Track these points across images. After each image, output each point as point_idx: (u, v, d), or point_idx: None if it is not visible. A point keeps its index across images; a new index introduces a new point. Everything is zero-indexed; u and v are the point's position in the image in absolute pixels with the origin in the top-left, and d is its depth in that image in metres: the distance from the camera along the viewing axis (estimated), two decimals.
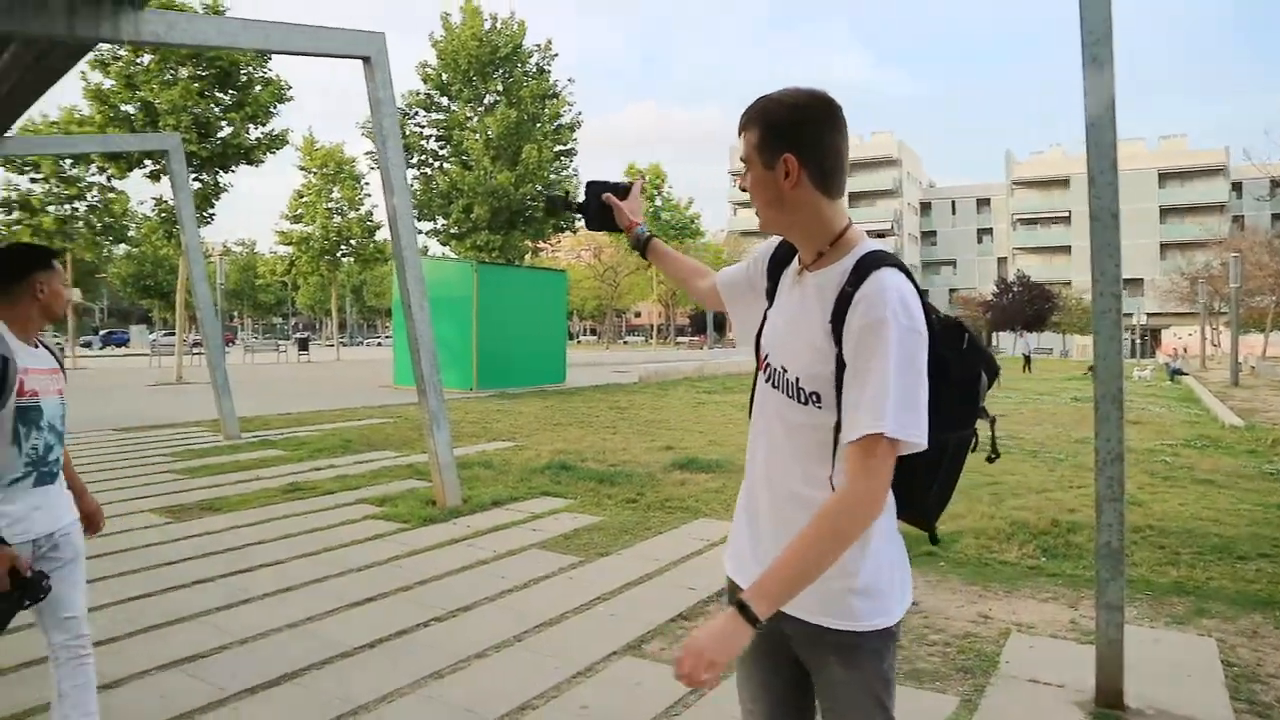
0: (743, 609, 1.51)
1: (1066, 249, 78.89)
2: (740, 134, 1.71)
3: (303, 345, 42.32)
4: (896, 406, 1.52)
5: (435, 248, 30.94)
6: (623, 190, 2.25)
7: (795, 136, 1.65)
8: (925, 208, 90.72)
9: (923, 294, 1.65)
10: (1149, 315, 64.27)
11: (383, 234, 40.91)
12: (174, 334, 34.89)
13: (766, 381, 1.79)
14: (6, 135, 11.26)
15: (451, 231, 29.95)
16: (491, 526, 6.81)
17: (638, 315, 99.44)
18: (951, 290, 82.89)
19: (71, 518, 2.93)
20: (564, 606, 4.87)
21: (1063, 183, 79.95)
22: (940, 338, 1.65)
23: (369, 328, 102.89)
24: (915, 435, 1.53)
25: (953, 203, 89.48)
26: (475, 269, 20.88)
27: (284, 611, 4.76)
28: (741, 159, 1.72)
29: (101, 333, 67.19)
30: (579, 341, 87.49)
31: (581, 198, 2.24)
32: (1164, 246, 73.64)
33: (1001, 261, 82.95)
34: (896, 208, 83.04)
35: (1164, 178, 75.79)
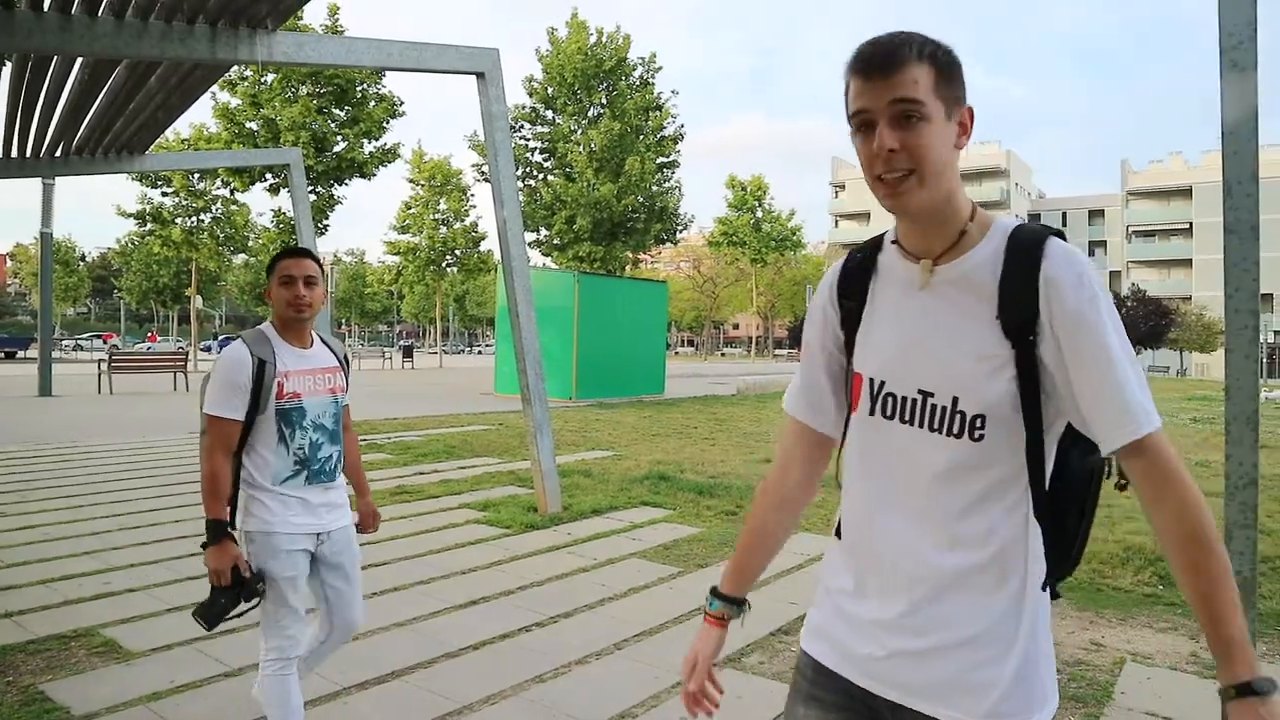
0: (1247, 688, 1.16)
1: (1187, 262, 75.26)
2: (891, 71, 1.27)
3: (407, 352, 43.50)
4: (1147, 393, 1.23)
5: (537, 258, 31.50)
6: None
7: (964, 86, 1.31)
8: (1034, 220, 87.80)
9: None
10: (1278, 332, 60.71)
11: (486, 244, 41.87)
12: None
13: (889, 417, 1.39)
14: (146, 152, 12.00)
15: (554, 242, 30.46)
16: (591, 534, 6.89)
17: (736, 327, 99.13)
18: None
19: (349, 519, 3.03)
20: (663, 616, 4.89)
21: (1184, 193, 76.37)
22: None
23: (471, 336, 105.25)
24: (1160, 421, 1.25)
25: (1064, 214, 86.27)
26: (577, 279, 21.16)
27: (393, 610, 4.91)
28: (903, 100, 1.26)
29: (220, 338, 70.55)
30: (677, 353, 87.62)
31: None
32: None
33: (1115, 275, 79.55)
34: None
35: None
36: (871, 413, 1.41)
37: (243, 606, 2.77)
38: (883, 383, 1.39)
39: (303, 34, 8.14)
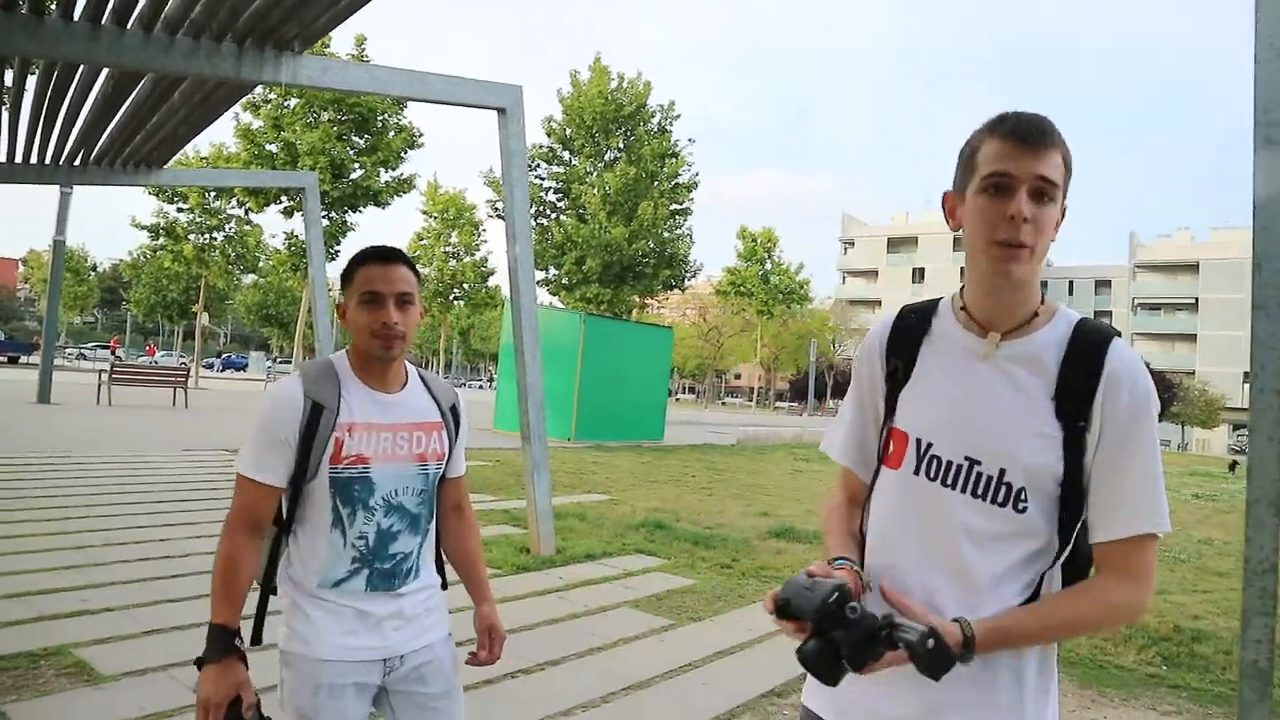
0: (966, 638, 1.28)
1: (1191, 337, 75.34)
2: (1042, 146, 1.32)
3: None
4: (1163, 499, 1.34)
5: (545, 297, 31.56)
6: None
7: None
8: (1041, 288, 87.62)
9: None
10: None
11: (495, 280, 42.04)
12: (289, 361, 36.38)
13: (932, 479, 1.41)
14: (165, 167, 12.05)
15: (563, 282, 30.54)
16: (584, 580, 6.75)
17: (738, 377, 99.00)
18: None
19: (439, 634, 2.12)
20: (653, 670, 4.75)
21: (1191, 268, 76.72)
22: None
23: (473, 370, 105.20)
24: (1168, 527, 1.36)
25: (1070, 283, 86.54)
26: (583, 320, 21.14)
27: None
28: (1045, 179, 1.32)
29: (223, 356, 70.58)
30: (678, 399, 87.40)
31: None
32: None
33: None
34: None
35: None
36: (916, 472, 1.42)
37: None
38: (930, 444, 1.41)
39: (328, 59, 8.19)
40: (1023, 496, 1.34)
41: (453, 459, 2.13)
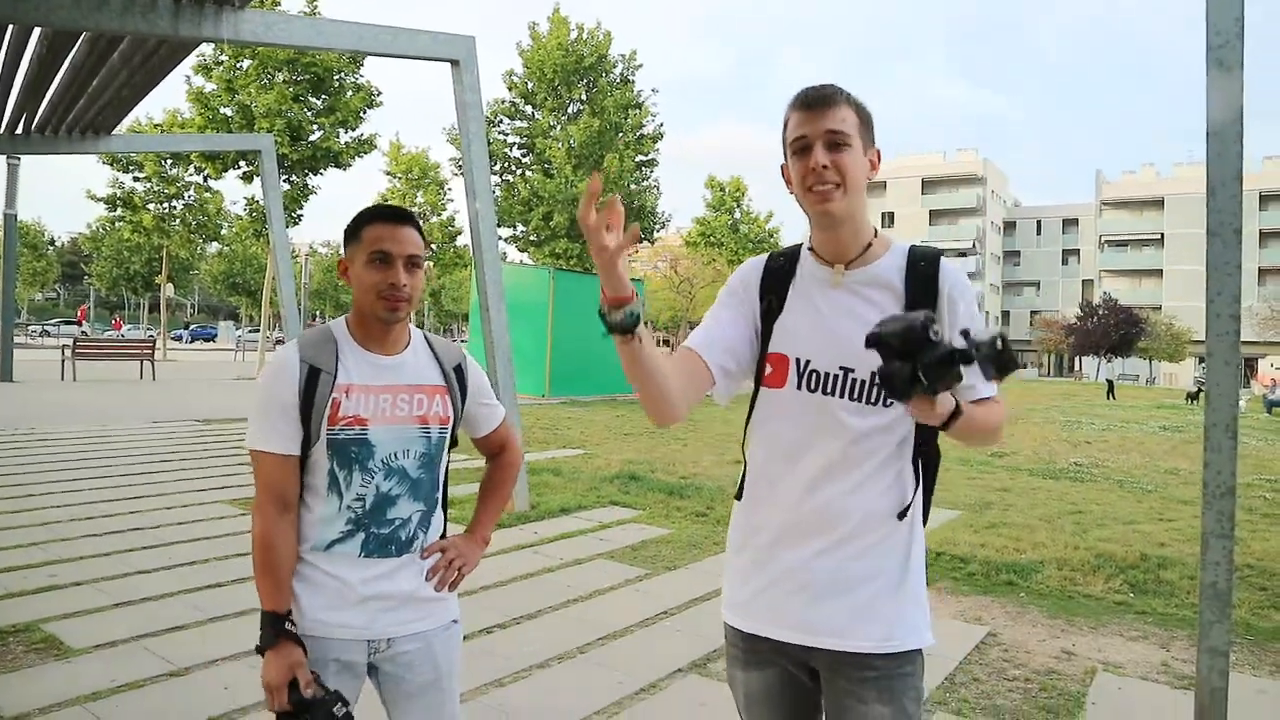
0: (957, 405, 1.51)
1: (1158, 272, 76.08)
2: (825, 107, 1.61)
3: None
4: None
5: (513, 254, 31.29)
6: None
7: (874, 133, 1.70)
8: (1009, 227, 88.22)
9: None
10: (1245, 343, 61.32)
11: (463, 239, 41.57)
12: (258, 330, 35.99)
13: (813, 390, 1.67)
14: (114, 134, 11.72)
15: (530, 238, 30.24)
16: (559, 534, 6.77)
17: None
18: (1033, 312, 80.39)
19: (440, 621, 2.03)
20: (629, 619, 4.78)
21: (1156, 204, 77.18)
22: None
23: (445, 332, 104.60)
24: None
25: (1038, 222, 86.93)
26: (552, 275, 21.01)
27: None
28: (835, 131, 1.59)
29: (191, 327, 69.66)
30: None
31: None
32: (1263, 272, 70.38)
33: (1087, 284, 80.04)
34: (979, 226, 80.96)
35: (1266, 199, 72.36)
36: (798, 387, 1.68)
37: None
38: (808, 361, 1.67)
39: (271, 13, 7.94)
40: None
41: (469, 419, 2.12)
